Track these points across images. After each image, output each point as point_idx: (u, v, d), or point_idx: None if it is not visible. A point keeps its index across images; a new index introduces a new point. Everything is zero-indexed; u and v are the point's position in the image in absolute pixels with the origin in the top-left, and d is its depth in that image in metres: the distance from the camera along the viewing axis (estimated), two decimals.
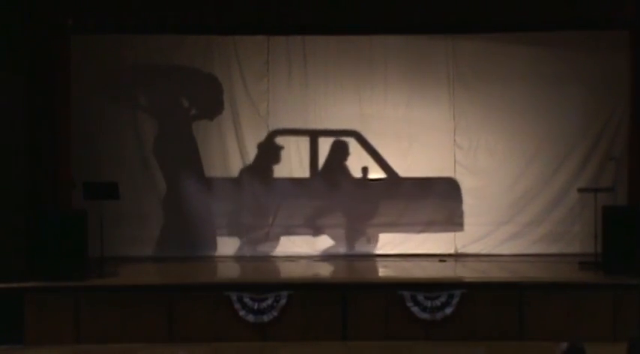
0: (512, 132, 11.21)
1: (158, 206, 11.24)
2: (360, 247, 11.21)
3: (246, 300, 8.75)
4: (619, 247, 9.13)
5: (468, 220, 11.24)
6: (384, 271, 10.20)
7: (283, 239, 11.25)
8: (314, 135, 11.24)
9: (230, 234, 11.26)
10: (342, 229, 11.26)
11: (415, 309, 8.73)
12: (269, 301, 8.76)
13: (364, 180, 11.20)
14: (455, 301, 8.72)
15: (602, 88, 10.99)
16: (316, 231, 11.24)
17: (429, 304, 8.72)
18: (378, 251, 11.17)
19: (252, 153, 11.28)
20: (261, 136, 11.29)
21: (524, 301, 8.70)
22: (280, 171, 11.31)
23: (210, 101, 11.34)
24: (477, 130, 11.24)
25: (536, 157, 11.18)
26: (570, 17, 9.88)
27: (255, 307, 8.74)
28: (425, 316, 8.72)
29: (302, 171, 11.28)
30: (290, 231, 11.23)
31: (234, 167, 11.30)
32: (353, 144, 11.22)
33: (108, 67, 11.10)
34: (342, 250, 11.21)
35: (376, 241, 11.24)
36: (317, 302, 8.79)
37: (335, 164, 11.30)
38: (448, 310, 8.72)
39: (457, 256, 11.07)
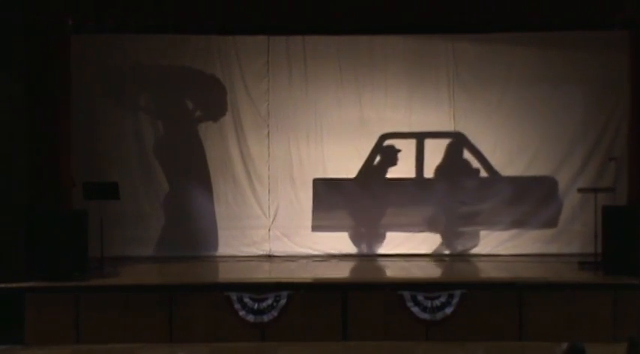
0: (512, 133, 11.20)
1: (158, 206, 11.24)
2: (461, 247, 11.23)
3: (246, 300, 8.76)
4: (619, 247, 9.13)
5: (468, 220, 11.24)
6: (384, 271, 10.20)
7: (394, 237, 11.22)
8: (420, 137, 11.20)
9: (232, 235, 11.26)
10: (447, 228, 11.27)
11: (415, 309, 8.73)
12: (269, 301, 8.76)
13: (479, 179, 11.18)
14: (455, 301, 8.72)
15: (602, 89, 10.99)
16: (427, 230, 11.23)
17: (429, 304, 8.72)
18: (380, 251, 11.18)
19: (253, 152, 11.29)
20: (262, 136, 11.29)
21: (523, 301, 8.70)
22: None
23: (214, 103, 11.34)
24: (477, 130, 11.23)
25: (536, 157, 11.17)
26: (570, 17, 9.87)
27: (255, 307, 8.75)
28: (425, 316, 8.72)
29: (408, 172, 11.27)
30: (402, 230, 11.21)
31: (235, 167, 11.29)
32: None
33: (108, 67, 11.11)
34: (448, 249, 11.19)
35: (477, 240, 11.21)
36: (317, 302, 8.79)
37: (449, 165, 11.28)
38: (448, 310, 8.73)
39: (457, 256, 11.06)
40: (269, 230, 11.28)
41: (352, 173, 11.30)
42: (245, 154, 11.31)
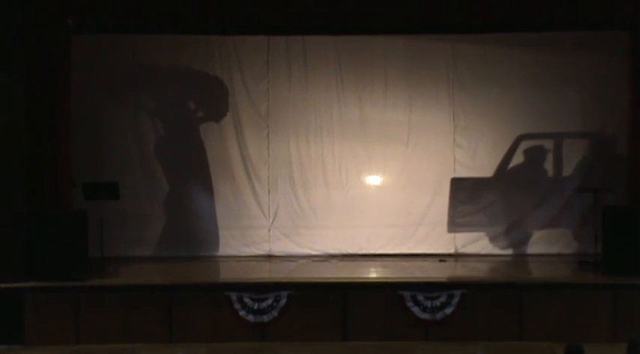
0: (511, 132, 11.20)
1: (159, 206, 11.25)
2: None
3: (246, 300, 8.76)
4: (619, 247, 9.12)
5: (467, 220, 11.24)
6: (384, 271, 10.20)
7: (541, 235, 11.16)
8: (558, 138, 11.14)
9: (232, 235, 11.26)
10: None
11: (415, 309, 8.74)
12: (269, 301, 8.77)
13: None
14: (455, 301, 8.72)
15: (601, 89, 10.99)
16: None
17: (429, 304, 8.73)
18: (379, 251, 11.18)
19: (252, 152, 11.29)
20: (262, 136, 11.30)
21: (523, 301, 8.70)
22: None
23: (214, 103, 11.34)
24: (477, 130, 11.24)
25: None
26: (570, 18, 9.87)
27: (255, 307, 8.75)
28: (425, 316, 8.72)
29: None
30: (543, 227, 11.13)
31: (235, 167, 11.30)
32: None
33: (108, 67, 11.11)
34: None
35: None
36: (317, 302, 8.79)
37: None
38: (448, 310, 8.73)
39: (457, 256, 11.07)
40: (269, 230, 11.29)
41: (354, 173, 11.32)
42: (245, 154, 11.31)
